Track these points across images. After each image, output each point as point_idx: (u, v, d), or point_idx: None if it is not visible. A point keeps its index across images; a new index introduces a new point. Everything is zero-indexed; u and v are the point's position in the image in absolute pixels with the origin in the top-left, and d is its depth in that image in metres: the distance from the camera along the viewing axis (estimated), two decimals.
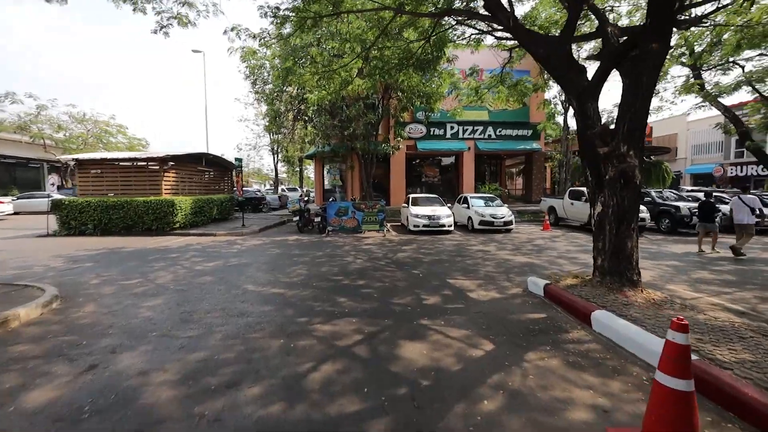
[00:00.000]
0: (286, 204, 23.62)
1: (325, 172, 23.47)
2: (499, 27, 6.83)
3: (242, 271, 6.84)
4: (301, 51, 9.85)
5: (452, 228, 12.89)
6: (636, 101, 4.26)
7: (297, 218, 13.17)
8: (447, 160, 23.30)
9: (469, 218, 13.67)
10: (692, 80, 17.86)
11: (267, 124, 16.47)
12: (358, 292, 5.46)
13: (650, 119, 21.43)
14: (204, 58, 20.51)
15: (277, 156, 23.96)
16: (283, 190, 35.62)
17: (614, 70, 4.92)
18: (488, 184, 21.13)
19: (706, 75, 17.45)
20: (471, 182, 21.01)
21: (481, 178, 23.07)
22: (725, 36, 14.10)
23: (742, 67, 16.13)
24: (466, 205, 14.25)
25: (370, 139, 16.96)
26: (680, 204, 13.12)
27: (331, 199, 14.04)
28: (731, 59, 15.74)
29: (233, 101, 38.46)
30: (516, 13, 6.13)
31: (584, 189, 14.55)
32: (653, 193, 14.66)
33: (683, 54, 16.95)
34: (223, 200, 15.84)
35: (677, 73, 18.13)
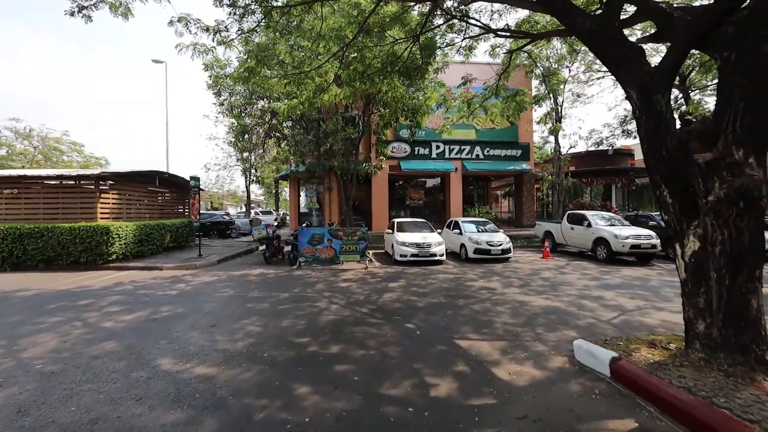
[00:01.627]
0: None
1: (301, 195, 21.63)
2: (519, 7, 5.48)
3: (168, 330, 4.85)
4: (267, 51, 8.32)
5: (444, 257, 11.24)
6: (753, 81, 2.80)
7: (263, 247, 11.19)
8: (432, 182, 22.00)
9: (462, 246, 12.09)
10: (680, 102, 17.50)
11: (233, 140, 14.59)
12: (328, 373, 3.62)
13: (634, 142, 20.97)
14: (166, 69, 18.73)
15: (249, 176, 21.94)
16: (256, 213, 33.34)
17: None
18: (478, 207, 19.84)
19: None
20: (459, 205, 19.66)
21: (469, 201, 21.82)
22: None
23: None
24: (457, 231, 12.70)
25: (349, 157, 15.39)
26: None
27: (304, 225, 12.22)
28: None
29: (202, 118, 36.59)
30: None
31: (585, 212, 13.36)
32: (659, 216, 13.61)
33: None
34: (180, 225, 13.68)
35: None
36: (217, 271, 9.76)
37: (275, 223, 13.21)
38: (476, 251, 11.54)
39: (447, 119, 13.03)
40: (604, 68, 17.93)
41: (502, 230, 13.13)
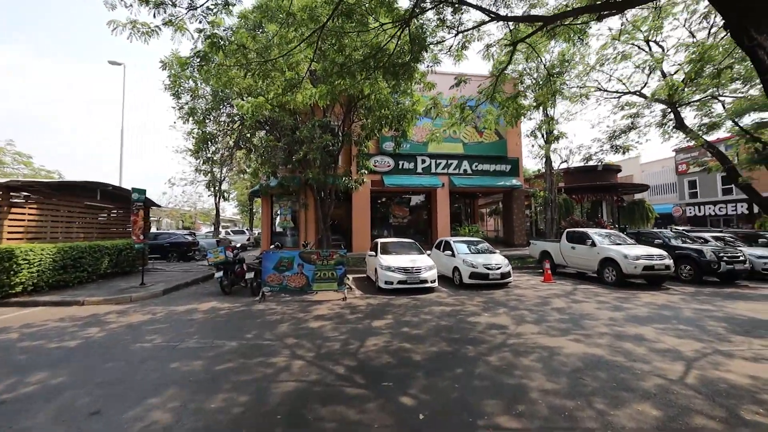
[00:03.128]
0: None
1: (274, 213, 19.74)
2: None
3: (9, 429, 2.97)
4: (225, 32, 6.78)
5: (436, 283, 9.64)
6: None
7: (220, 274, 9.26)
8: (417, 199, 20.62)
9: (456, 269, 10.56)
10: (669, 116, 17.03)
11: (193, 148, 12.76)
12: None
13: (616, 159, 20.41)
14: (124, 72, 16.80)
15: (216, 190, 19.82)
16: (227, 232, 30.92)
17: None
18: (468, 225, 18.50)
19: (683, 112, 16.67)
20: (446, 224, 18.28)
21: (456, 219, 20.50)
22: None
23: (723, 103, 15.38)
24: (449, 252, 11.18)
25: (327, 170, 13.81)
26: (703, 248, 10.97)
27: (272, 246, 10.41)
28: (713, 94, 14.94)
29: (168, 128, 34.03)
30: None
31: (587, 230, 12.17)
32: (668, 233, 12.59)
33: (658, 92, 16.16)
34: (123, 248, 11.54)
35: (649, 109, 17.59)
36: (157, 306, 7.76)
37: (239, 245, 11.26)
38: (472, 275, 10.02)
39: (436, 129, 11.74)
40: (591, 82, 17.39)
41: (498, 251, 11.71)
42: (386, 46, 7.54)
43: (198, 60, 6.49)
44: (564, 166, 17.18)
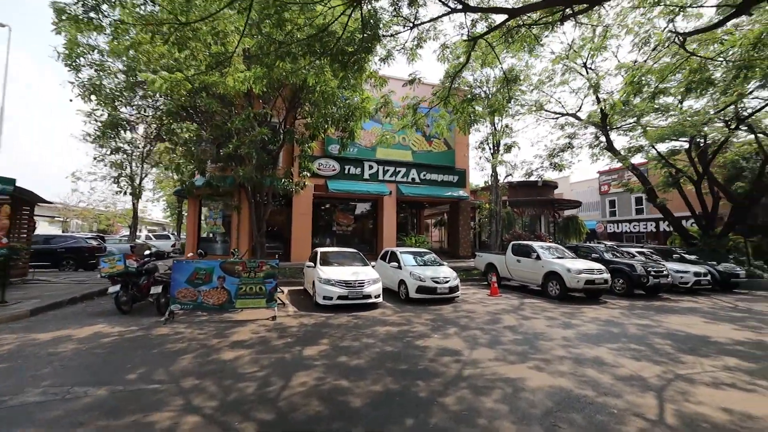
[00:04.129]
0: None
1: (202, 216, 17.53)
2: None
3: None
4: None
5: (380, 298, 8.74)
6: None
7: (116, 288, 7.42)
8: (363, 207, 19.74)
9: (402, 283, 9.78)
10: (600, 139, 18.27)
11: (96, 133, 10.55)
12: None
13: (553, 176, 21.52)
14: (9, 35, 13.74)
15: (131, 188, 16.93)
16: (148, 237, 27.27)
17: None
18: (414, 235, 17.96)
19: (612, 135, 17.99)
20: (392, 233, 17.60)
21: (403, 229, 19.95)
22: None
23: (644, 128, 16.78)
24: (395, 264, 10.39)
25: (264, 171, 12.37)
26: (634, 262, 11.46)
27: (190, 255, 8.75)
28: (637, 120, 16.24)
29: (76, 113, 28.95)
30: None
31: (532, 243, 12.19)
32: (600, 248, 13.07)
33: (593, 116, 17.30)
34: None
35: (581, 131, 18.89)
36: (11, 332, 5.82)
37: (150, 252, 9.33)
38: (420, 290, 9.30)
39: (386, 131, 11.01)
40: (532, 102, 18.11)
41: (445, 263, 11.20)
42: (334, 28, 6.62)
43: (84, 10, 4.98)
44: (509, 179, 17.51)
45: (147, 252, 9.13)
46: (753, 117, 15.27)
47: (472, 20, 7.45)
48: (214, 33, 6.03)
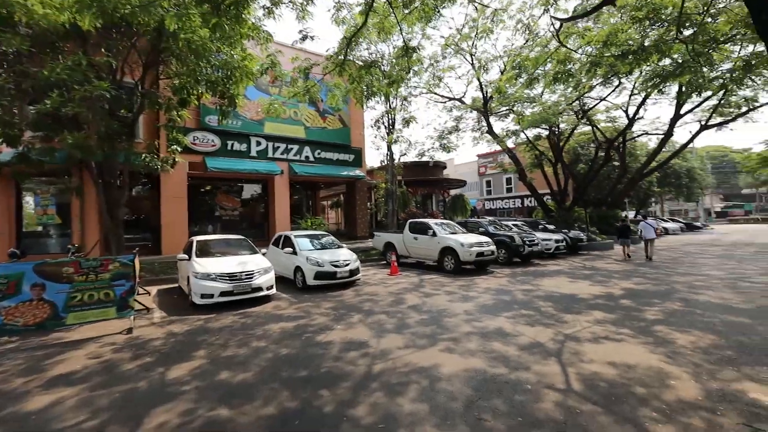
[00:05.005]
0: None
1: (24, 202, 13.18)
2: None
3: None
4: None
5: (273, 290, 7.67)
6: None
7: None
8: (252, 188, 17.66)
9: (298, 269, 8.86)
10: (482, 124, 19.95)
11: None
12: None
13: (441, 158, 22.97)
14: None
15: None
16: None
17: None
18: (310, 217, 16.82)
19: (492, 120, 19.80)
20: (286, 216, 16.19)
21: (297, 211, 18.63)
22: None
23: (518, 115, 18.87)
24: (290, 250, 9.34)
25: (117, 143, 9.66)
26: (513, 234, 12.78)
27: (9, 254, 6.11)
28: (511, 107, 18.14)
29: None
30: None
31: (429, 221, 12.50)
32: (485, 223, 14.24)
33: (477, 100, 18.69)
34: None
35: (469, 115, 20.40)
36: None
37: None
38: (318, 276, 8.54)
39: (275, 100, 9.60)
40: (423, 85, 18.61)
41: (345, 245, 10.64)
42: None
43: None
44: (404, 159, 17.76)
45: None
46: (591, 110, 18.57)
47: None
48: None
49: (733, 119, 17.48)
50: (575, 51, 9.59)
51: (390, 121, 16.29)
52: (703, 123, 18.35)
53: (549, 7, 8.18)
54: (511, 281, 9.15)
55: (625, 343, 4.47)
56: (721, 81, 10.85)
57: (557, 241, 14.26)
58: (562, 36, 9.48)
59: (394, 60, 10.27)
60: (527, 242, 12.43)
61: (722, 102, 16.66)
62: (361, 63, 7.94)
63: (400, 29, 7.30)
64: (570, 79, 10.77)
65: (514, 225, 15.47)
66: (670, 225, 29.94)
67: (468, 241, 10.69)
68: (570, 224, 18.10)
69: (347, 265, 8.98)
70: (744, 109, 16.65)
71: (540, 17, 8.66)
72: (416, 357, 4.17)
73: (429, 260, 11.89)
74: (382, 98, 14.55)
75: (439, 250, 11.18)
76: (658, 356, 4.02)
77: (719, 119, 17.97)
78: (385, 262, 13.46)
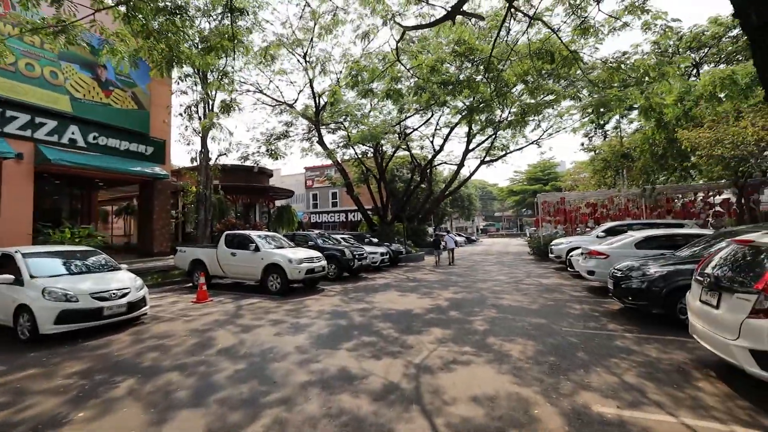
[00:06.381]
0: None
1: None
2: None
3: None
4: None
5: None
6: None
7: None
8: None
9: (25, 311, 5.42)
10: (313, 133, 19.29)
11: None
12: None
13: (271, 164, 21.30)
14: None
15: None
16: None
17: None
18: (73, 227, 11.38)
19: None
20: (26, 223, 10.63)
21: (54, 216, 12.69)
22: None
23: (347, 130, 19.10)
24: (9, 278, 5.70)
25: None
26: (344, 248, 12.25)
27: None
28: (343, 120, 18.22)
29: None
30: None
31: (250, 233, 10.51)
32: (314, 236, 13.21)
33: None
34: None
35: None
36: None
37: None
38: (64, 316, 5.42)
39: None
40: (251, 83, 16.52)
41: (125, 265, 7.46)
42: None
43: None
44: (224, 160, 14.95)
45: None
46: (408, 137, 20.77)
47: None
48: None
49: (497, 159, 22.98)
50: (408, 69, 9.98)
51: (207, 110, 13.37)
52: (481, 159, 23.40)
53: (388, 21, 8.07)
54: (345, 300, 8.39)
55: (474, 366, 4.18)
56: (507, 121, 13.72)
57: (382, 254, 14.74)
58: (401, 52, 9.74)
59: (213, 20, 8.13)
60: (357, 256, 12.17)
61: (493, 145, 21.63)
62: (160, 4, 5.57)
63: None
64: (400, 99, 11.26)
65: (342, 238, 15.20)
66: (458, 238, 37.33)
67: (297, 257, 9.38)
68: (391, 238, 19.41)
69: (124, 296, 6.13)
70: (503, 153, 22.15)
71: (380, 30, 8.50)
72: None
73: (250, 280, 9.93)
74: (198, 78, 11.72)
75: (263, 268, 9.42)
76: (508, 377, 3.81)
77: (488, 158, 23.29)
78: (190, 284, 10.54)
